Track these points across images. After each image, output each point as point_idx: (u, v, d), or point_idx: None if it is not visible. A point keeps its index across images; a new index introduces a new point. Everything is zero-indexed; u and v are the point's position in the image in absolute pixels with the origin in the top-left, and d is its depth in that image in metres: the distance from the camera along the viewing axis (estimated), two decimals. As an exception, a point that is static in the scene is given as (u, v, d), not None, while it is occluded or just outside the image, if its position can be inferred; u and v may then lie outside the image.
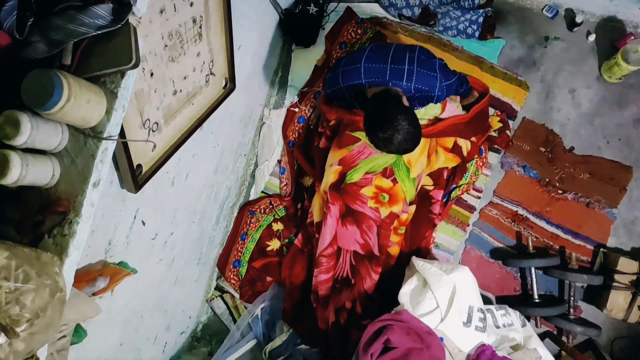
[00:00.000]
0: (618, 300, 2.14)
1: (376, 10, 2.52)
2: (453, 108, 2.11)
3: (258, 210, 2.50)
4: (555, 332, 2.26)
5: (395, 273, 2.19)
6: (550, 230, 2.31)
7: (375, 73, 1.76)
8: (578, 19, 2.32)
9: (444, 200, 2.31)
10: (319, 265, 2.21)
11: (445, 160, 2.20)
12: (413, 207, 2.21)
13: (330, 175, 2.16)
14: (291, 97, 2.56)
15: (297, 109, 2.52)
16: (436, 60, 1.80)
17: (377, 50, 1.83)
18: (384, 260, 2.18)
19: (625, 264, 2.15)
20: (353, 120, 2.12)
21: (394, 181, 2.10)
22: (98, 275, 1.34)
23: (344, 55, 2.45)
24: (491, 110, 2.38)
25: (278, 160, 2.55)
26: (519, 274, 2.33)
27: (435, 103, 1.87)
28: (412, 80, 1.73)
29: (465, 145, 2.20)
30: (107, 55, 0.97)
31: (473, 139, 2.22)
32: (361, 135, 2.13)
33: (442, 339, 1.87)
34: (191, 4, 1.43)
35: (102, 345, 1.61)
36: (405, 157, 2.08)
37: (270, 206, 2.49)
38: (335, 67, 1.89)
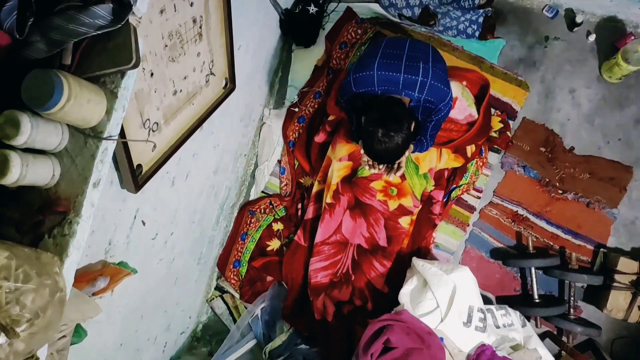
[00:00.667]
0: (618, 300, 2.14)
1: (376, 10, 2.51)
2: (464, 106, 2.13)
3: (258, 210, 2.50)
4: (555, 332, 2.26)
5: (398, 273, 2.20)
6: (550, 230, 2.31)
7: (388, 82, 1.74)
8: (578, 19, 2.32)
9: (444, 200, 2.32)
10: (319, 253, 2.25)
11: (449, 161, 2.22)
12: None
13: (342, 169, 2.22)
14: (291, 97, 2.56)
15: (297, 109, 2.52)
16: (446, 76, 1.79)
17: (389, 55, 1.77)
18: (396, 251, 2.21)
19: (625, 264, 2.15)
20: None
21: (402, 177, 2.15)
22: (98, 275, 1.33)
23: (345, 56, 2.46)
24: (491, 111, 2.38)
25: (278, 160, 2.55)
26: (519, 274, 2.33)
27: (435, 116, 1.83)
28: (423, 92, 1.73)
29: (470, 146, 2.21)
30: (107, 55, 0.97)
31: None
32: None
33: (442, 339, 1.87)
34: (191, 4, 1.43)
35: (102, 345, 1.60)
36: (413, 154, 2.12)
37: (270, 206, 2.49)
38: (347, 74, 1.84)
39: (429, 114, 1.82)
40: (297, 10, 2.44)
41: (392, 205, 2.18)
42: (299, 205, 2.47)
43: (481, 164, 2.35)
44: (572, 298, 2.20)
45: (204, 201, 2.15)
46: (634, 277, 2.13)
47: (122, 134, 1.22)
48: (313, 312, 2.23)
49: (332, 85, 2.37)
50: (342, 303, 2.24)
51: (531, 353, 1.93)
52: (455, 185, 2.31)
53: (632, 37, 2.27)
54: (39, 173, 0.96)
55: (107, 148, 1.02)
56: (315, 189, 2.36)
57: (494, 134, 2.33)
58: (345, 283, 2.25)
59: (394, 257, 2.21)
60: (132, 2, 0.92)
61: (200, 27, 1.53)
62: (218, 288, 2.51)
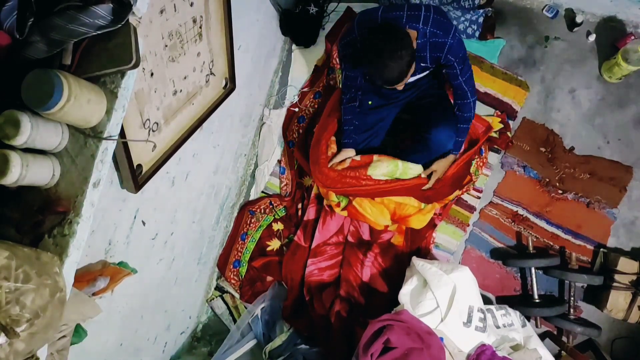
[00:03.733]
0: (618, 300, 2.14)
1: (376, 10, 2.52)
2: None
3: (258, 210, 2.50)
4: (555, 332, 2.26)
5: (398, 273, 2.20)
6: (550, 230, 2.31)
7: (392, 20, 1.77)
8: (578, 19, 2.32)
9: (444, 200, 2.32)
10: (322, 253, 2.28)
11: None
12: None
13: None
14: (291, 97, 2.56)
15: (297, 109, 2.52)
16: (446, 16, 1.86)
17: (393, 4, 1.93)
18: (384, 247, 2.23)
19: (625, 264, 2.15)
20: None
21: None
22: (98, 275, 1.34)
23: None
24: (491, 110, 2.38)
25: (278, 160, 2.55)
26: (519, 274, 2.33)
27: (447, 55, 1.82)
28: (428, 23, 1.75)
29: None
30: (107, 55, 0.97)
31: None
32: None
33: (442, 339, 1.87)
34: (191, 4, 1.43)
35: (102, 345, 1.61)
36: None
37: (270, 206, 2.49)
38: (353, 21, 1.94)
39: (438, 55, 1.82)
40: (297, 10, 2.44)
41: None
42: (299, 206, 2.47)
43: (481, 164, 2.35)
44: (572, 298, 2.20)
45: (204, 201, 2.15)
46: (634, 277, 2.13)
47: (122, 134, 1.22)
48: (313, 312, 2.23)
49: (333, 87, 2.38)
50: (341, 302, 2.23)
51: (531, 353, 1.93)
52: (455, 185, 2.31)
53: (632, 37, 2.27)
54: (39, 173, 0.96)
55: (107, 148, 1.02)
56: (315, 190, 2.36)
57: (494, 134, 2.33)
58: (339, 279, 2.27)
59: (380, 251, 2.22)
60: (132, 2, 0.92)
61: (200, 27, 1.53)
62: (218, 288, 2.51)
